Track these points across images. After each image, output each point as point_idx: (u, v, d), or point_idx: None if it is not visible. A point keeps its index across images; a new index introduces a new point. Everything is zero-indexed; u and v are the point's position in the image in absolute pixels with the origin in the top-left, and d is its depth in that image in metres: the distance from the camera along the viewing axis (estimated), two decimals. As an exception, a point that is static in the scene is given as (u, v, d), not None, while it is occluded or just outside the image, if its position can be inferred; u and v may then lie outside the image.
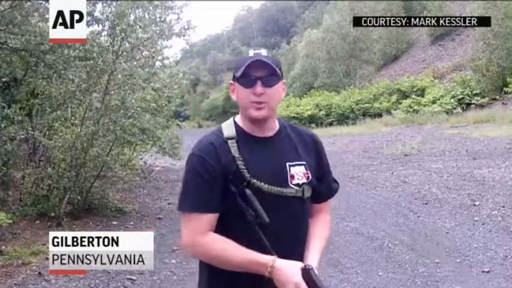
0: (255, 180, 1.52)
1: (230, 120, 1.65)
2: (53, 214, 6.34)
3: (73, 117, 7.17)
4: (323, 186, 1.71)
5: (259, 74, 1.54)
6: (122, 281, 4.61)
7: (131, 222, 6.93)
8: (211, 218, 1.54)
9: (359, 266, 4.79)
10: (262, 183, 1.53)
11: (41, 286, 4.42)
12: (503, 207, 6.46)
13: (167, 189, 9.73)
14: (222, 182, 1.52)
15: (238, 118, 1.65)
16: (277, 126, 1.65)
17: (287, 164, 1.59)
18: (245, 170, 1.52)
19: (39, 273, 4.66)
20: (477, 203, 6.80)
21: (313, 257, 1.60)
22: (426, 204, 7.21)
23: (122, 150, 7.72)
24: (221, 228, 1.55)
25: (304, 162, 1.62)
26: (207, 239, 1.52)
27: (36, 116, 7.36)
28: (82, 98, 6.79)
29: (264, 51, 1.59)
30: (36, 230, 6.06)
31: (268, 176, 1.54)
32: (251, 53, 1.59)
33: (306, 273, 1.47)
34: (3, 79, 7.06)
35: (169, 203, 8.49)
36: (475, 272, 4.55)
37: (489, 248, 5.15)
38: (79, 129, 6.52)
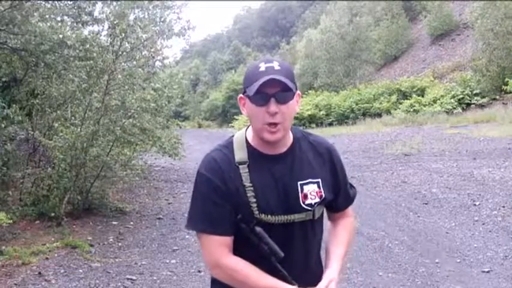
0: (263, 215, 1.49)
1: (242, 136, 1.57)
2: (53, 214, 6.34)
3: (72, 117, 7.17)
4: (340, 199, 1.67)
5: (272, 90, 1.43)
6: (122, 280, 4.61)
7: (131, 222, 6.93)
8: (225, 240, 1.52)
9: (359, 266, 4.79)
10: (270, 216, 1.50)
11: (41, 286, 4.42)
12: (503, 207, 6.46)
13: (167, 189, 9.73)
14: (231, 204, 1.50)
15: (249, 132, 1.58)
16: (290, 140, 1.58)
17: (299, 183, 1.54)
18: (255, 206, 1.49)
19: (39, 273, 4.66)
20: (477, 203, 6.80)
21: (333, 267, 1.58)
22: (426, 204, 7.21)
23: (122, 150, 7.71)
24: (236, 255, 1.55)
25: (318, 180, 1.56)
26: (229, 262, 1.52)
27: (36, 116, 7.36)
28: (82, 98, 6.79)
29: (276, 64, 1.46)
30: (36, 230, 6.06)
31: (277, 202, 1.51)
32: (262, 66, 1.46)
33: None
34: (3, 79, 7.07)
35: (169, 203, 8.49)
36: (475, 272, 4.55)
37: (489, 248, 5.15)
38: (79, 129, 6.52)
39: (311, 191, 1.54)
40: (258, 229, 1.49)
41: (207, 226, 1.51)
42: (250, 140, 1.56)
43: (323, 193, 1.56)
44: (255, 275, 1.49)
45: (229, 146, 1.56)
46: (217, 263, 1.52)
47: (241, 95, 1.54)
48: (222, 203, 1.50)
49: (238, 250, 1.53)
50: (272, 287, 1.49)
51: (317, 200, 1.55)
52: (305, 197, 1.53)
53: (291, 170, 1.54)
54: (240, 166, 1.51)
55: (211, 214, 1.51)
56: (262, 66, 1.46)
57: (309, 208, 1.54)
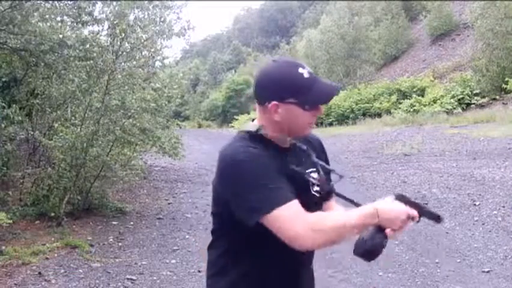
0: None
1: (254, 130, 1.56)
2: (53, 214, 6.34)
3: (73, 117, 7.17)
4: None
5: None
6: (122, 281, 4.61)
7: (131, 222, 6.93)
8: (298, 203, 1.43)
9: (359, 266, 4.79)
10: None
11: (41, 286, 4.42)
12: (503, 207, 6.46)
13: (167, 189, 9.73)
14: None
15: (257, 126, 1.57)
16: None
17: (306, 171, 1.60)
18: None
19: (39, 273, 4.66)
20: (477, 203, 6.80)
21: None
22: (426, 204, 7.20)
23: (122, 150, 7.71)
24: (250, 251, 1.54)
25: (318, 168, 1.64)
26: (315, 218, 1.41)
27: (36, 116, 7.36)
28: (82, 98, 6.79)
29: (307, 67, 1.53)
30: (36, 230, 6.06)
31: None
32: (305, 73, 1.48)
33: (402, 197, 1.51)
34: (3, 79, 7.08)
35: (169, 203, 8.49)
36: (475, 272, 4.56)
37: (489, 248, 5.15)
38: (78, 129, 6.53)
39: (314, 179, 1.62)
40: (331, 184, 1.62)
41: (279, 198, 1.41)
42: (263, 133, 1.57)
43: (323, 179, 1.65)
44: (343, 215, 1.45)
45: (245, 138, 1.56)
46: (311, 226, 1.39)
47: (275, 102, 1.48)
48: (276, 175, 1.45)
49: (256, 248, 1.52)
50: (359, 215, 1.41)
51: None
52: (312, 184, 1.61)
53: (299, 161, 1.61)
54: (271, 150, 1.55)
55: (274, 187, 1.42)
56: (305, 73, 1.49)
57: (318, 195, 1.60)
